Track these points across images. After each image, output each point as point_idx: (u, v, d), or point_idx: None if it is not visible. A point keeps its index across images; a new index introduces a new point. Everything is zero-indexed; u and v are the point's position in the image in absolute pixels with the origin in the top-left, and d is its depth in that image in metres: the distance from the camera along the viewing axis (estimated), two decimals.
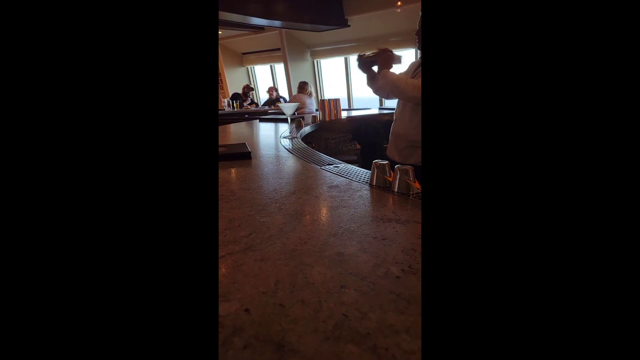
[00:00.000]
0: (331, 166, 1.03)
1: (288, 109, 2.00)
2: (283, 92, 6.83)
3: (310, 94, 4.44)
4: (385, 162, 0.81)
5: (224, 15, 4.74)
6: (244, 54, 8.23)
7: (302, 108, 3.92)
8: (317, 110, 3.72)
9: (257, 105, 6.37)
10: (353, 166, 1.02)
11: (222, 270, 0.45)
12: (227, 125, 2.70)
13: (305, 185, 0.85)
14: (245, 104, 6.08)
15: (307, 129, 2.34)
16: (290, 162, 1.16)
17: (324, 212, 0.67)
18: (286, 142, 1.57)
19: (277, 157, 1.25)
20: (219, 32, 7.03)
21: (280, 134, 1.96)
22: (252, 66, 8.46)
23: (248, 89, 6.38)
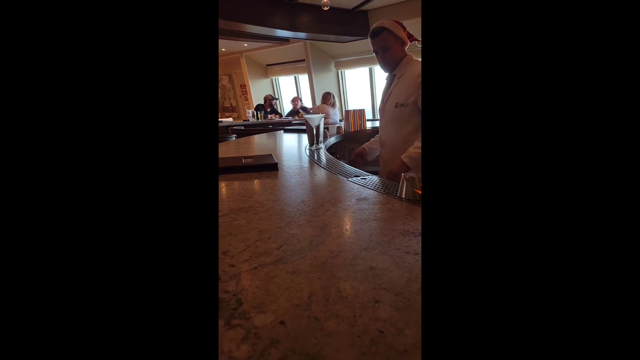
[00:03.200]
0: (358, 178, 1.03)
1: (313, 120, 2.02)
2: (307, 102, 6.89)
3: (333, 105, 4.46)
4: (415, 174, 0.80)
5: (250, 28, 4.87)
6: (268, 65, 8.40)
7: (326, 119, 3.95)
8: (341, 120, 3.73)
9: (280, 115, 6.45)
10: (381, 178, 1.02)
11: (256, 282, 0.46)
12: (251, 136, 2.75)
13: (333, 197, 0.86)
14: (269, 115, 6.18)
15: (332, 140, 2.35)
16: (316, 174, 1.17)
17: (353, 225, 0.67)
18: (311, 153, 1.59)
19: (303, 168, 1.26)
20: (245, 45, 7.22)
21: (304, 144, 1.97)
22: (276, 77, 8.61)
23: (271, 98, 6.47)
